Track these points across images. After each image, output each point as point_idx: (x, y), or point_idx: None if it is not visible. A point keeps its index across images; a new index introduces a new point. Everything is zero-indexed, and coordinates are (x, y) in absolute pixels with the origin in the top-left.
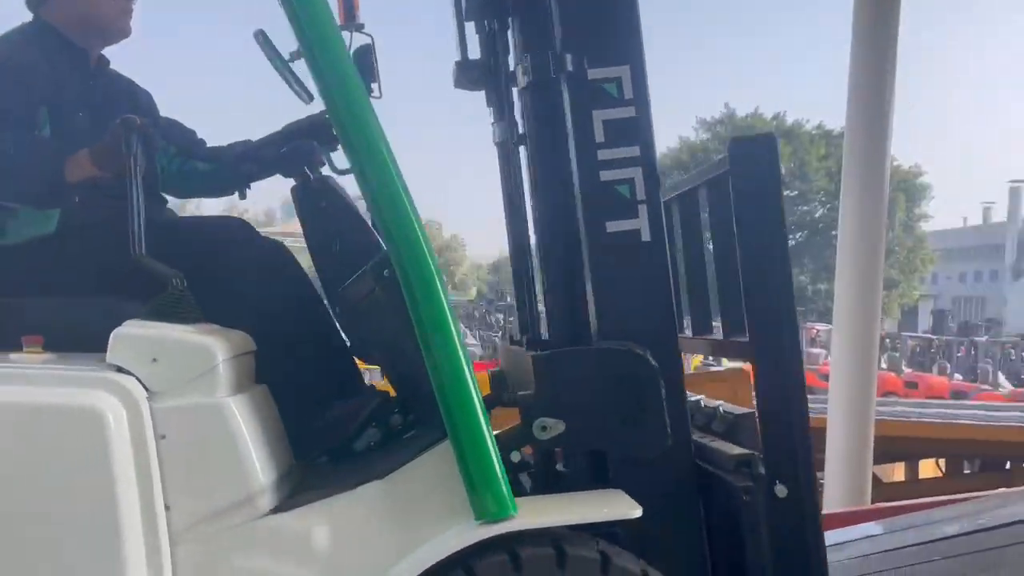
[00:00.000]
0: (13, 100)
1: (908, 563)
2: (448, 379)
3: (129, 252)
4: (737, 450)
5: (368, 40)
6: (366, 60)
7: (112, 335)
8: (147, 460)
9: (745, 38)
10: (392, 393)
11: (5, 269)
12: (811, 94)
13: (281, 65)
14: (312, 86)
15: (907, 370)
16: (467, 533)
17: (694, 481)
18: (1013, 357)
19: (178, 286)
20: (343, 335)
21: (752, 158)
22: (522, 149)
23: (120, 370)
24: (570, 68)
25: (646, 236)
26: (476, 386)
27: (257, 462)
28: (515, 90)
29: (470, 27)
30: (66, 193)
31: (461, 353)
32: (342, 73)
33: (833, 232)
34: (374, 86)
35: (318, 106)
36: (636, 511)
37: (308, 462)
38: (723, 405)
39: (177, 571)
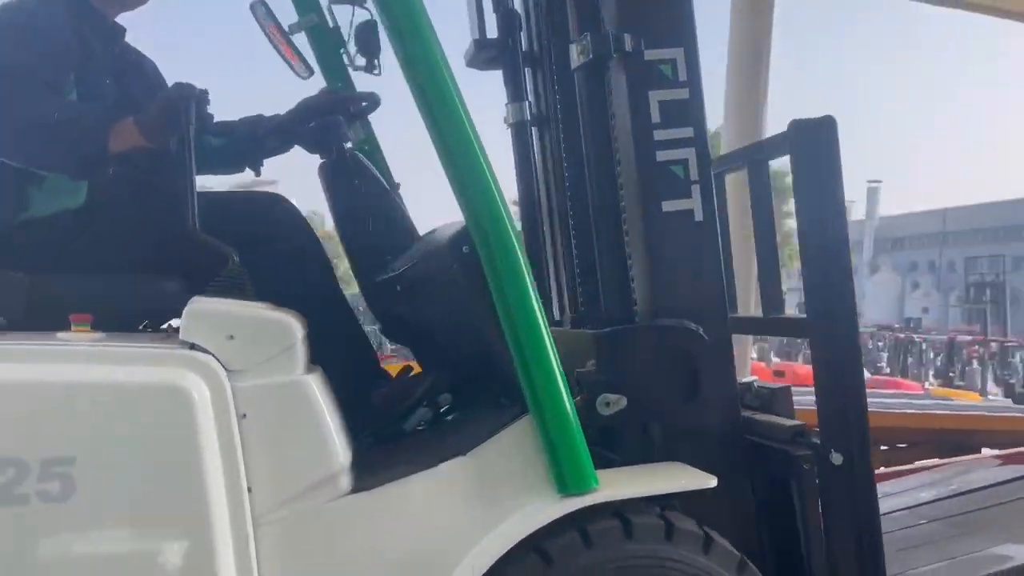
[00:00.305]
0: (45, 64)
1: (899, 527)
2: (532, 354)
3: (171, 226)
4: (790, 422)
5: (370, 15)
6: (368, 36)
7: (185, 312)
8: (231, 440)
9: None
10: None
11: (31, 242)
12: None
13: (282, 37)
14: (311, 58)
15: (775, 360)
16: (553, 506)
17: (743, 452)
18: (870, 346)
19: (235, 262)
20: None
21: (814, 139)
22: (534, 130)
23: (193, 347)
24: (628, 48)
25: (699, 216)
26: (559, 361)
27: (337, 441)
28: (528, 71)
29: (487, 6)
30: (107, 163)
31: (544, 328)
32: (426, 44)
33: None
34: (376, 62)
35: (317, 81)
36: (711, 481)
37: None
38: (756, 380)
39: (260, 555)
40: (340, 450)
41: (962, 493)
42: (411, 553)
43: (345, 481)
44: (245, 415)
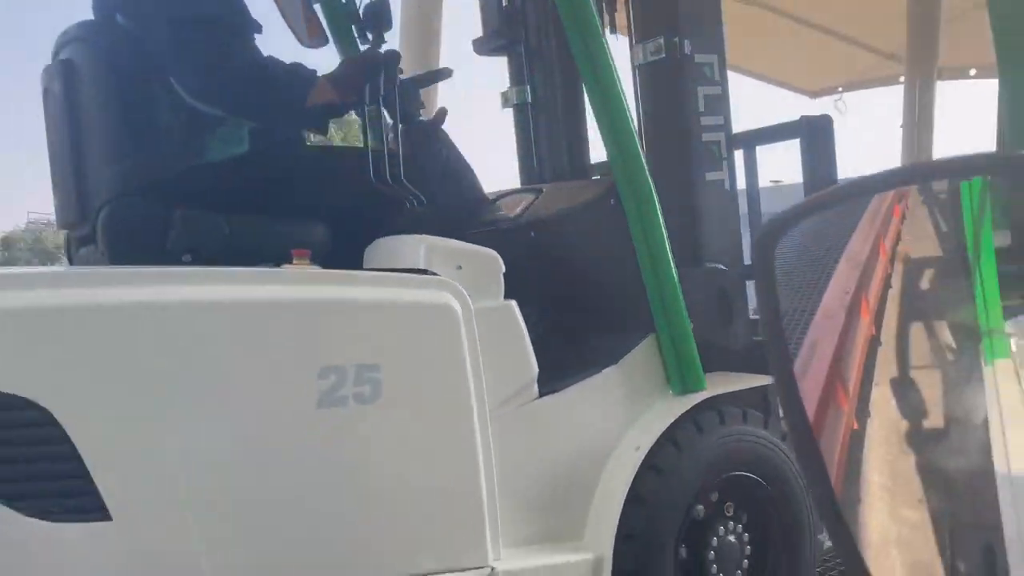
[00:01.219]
0: (242, 13)
1: None
2: (666, 285)
3: (349, 173)
4: None
5: None
6: (379, 12)
7: (424, 246)
8: (475, 351)
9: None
10: None
11: (205, 185)
12: None
13: (304, 4)
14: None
15: None
16: (679, 401)
17: (756, 363)
18: None
19: (424, 204)
20: None
21: (817, 129)
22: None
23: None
24: (687, 52)
25: (727, 185)
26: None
27: (532, 355)
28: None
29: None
30: (303, 116)
31: (673, 265)
32: (589, 15)
33: None
34: (384, 37)
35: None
36: (769, 380)
37: None
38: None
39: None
40: (534, 362)
41: None
42: (586, 440)
43: (535, 388)
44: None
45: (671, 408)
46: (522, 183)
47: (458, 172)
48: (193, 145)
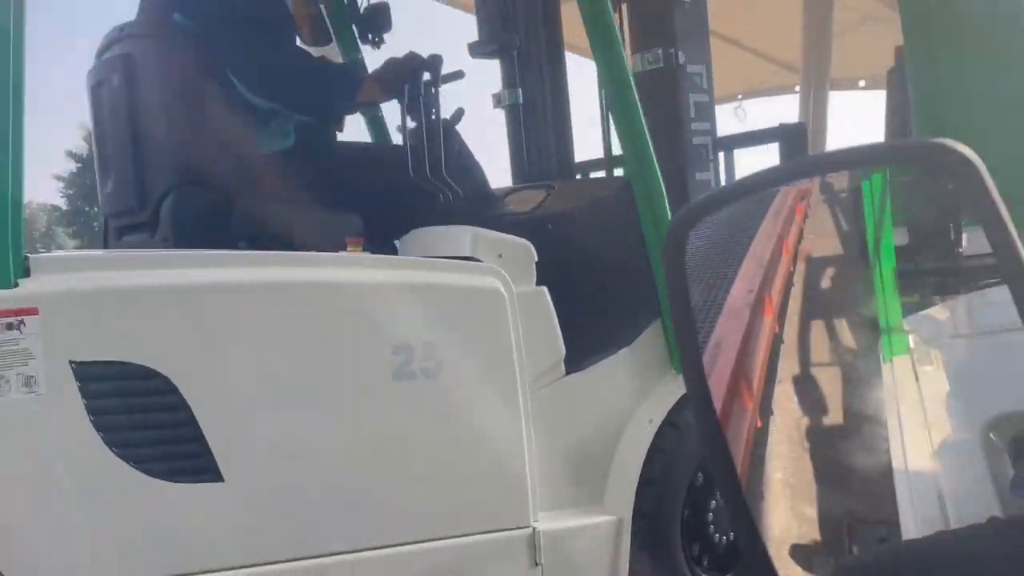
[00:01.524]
0: (284, 12)
1: None
2: None
3: (386, 168)
4: None
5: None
6: (378, 15)
7: (471, 235)
8: (518, 333)
9: None
10: None
11: (255, 175)
12: None
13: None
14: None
15: None
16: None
17: None
18: None
19: (460, 197)
20: None
21: (793, 135)
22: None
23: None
24: (681, 62)
25: (713, 184)
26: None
27: (561, 337)
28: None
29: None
30: (351, 111)
31: None
32: (609, 27)
33: None
34: (382, 38)
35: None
36: None
37: None
38: None
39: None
40: (562, 343)
41: None
42: (605, 414)
43: (563, 367)
44: None
45: (676, 386)
46: (513, 180)
47: (470, 169)
48: (248, 138)
